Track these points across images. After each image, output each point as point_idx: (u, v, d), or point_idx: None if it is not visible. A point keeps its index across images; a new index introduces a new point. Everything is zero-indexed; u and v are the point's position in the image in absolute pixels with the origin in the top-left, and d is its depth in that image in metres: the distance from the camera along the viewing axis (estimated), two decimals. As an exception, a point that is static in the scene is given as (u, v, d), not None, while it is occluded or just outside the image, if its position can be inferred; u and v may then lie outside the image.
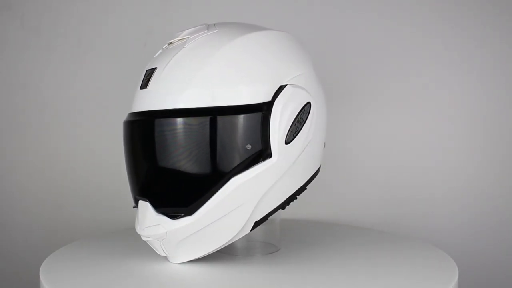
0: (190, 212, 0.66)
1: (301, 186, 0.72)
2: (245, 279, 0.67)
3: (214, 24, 0.72)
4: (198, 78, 0.65)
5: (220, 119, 0.64)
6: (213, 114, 0.64)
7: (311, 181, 0.73)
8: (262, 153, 0.65)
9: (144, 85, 0.69)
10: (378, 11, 1.02)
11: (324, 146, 0.76)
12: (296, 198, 0.72)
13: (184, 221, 0.66)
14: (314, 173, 0.74)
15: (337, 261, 0.74)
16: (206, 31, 0.69)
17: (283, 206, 0.71)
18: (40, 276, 0.68)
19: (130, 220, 1.01)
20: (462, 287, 0.70)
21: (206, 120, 0.64)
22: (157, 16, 1.04)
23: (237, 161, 0.65)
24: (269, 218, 0.77)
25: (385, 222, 1.02)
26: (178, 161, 0.65)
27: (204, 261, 0.73)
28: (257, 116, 0.65)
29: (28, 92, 1.04)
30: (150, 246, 0.72)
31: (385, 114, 1.03)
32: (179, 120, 0.65)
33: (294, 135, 0.67)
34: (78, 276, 0.68)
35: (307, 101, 0.69)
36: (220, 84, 0.65)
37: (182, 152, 0.65)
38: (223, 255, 0.76)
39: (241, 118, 0.65)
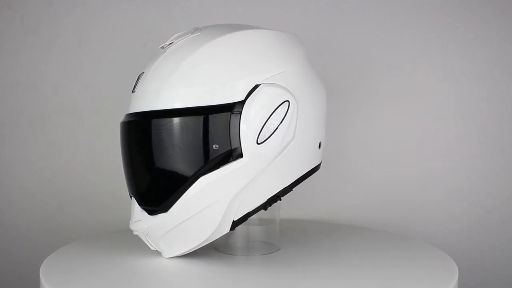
0: (165, 209, 0.68)
1: (285, 188, 0.70)
2: (245, 279, 0.67)
3: (200, 28, 0.73)
4: (172, 80, 0.67)
5: (187, 120, 0.66)
6: (182, 115, 0.66)
7: (299, 182, 0.71)
8: (232, 153, 0.66)
9: (133, 88, 0.73)
10: (378, 11, 1.02)
11: (320, 146, 0.73)
12: (280, 199, 0.71)
13: (160, 218, 0.69)
14: (305, 174, 0.71)
15: (337, 261, 0.74)
16: (189, 34, 0.71)
17: (264, 206, 0.70)
18: (40, 276, 0.68)
19: (129, 220, 1.01)
20: None
21: (175, 121, 0.66)
22: (157, 16, 1.04)
23: (204, 161, 0.66)
24: (269, 218, 0.77)
25: (385, 222, 1.02)
26: (150, 161, 0.68)
27: (204, 261, 0.73)
28: (225, 116, 0.65)
29: (28, 91, 1.04)
30: (146, 248, 0.75)
31: (384, 114, 1.03)
32: (152, 122, 0.67)
33: (268, 134, 0.66)
34: (78, 276, 0.68)
35: (284, 100, 0.67)
36: (193, 85, 0.66)
37: (153, 153, 0.68)
38: (223, 255, 0.76)
39: (207, 118, 0.65)
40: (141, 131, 0.69)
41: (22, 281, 1.02)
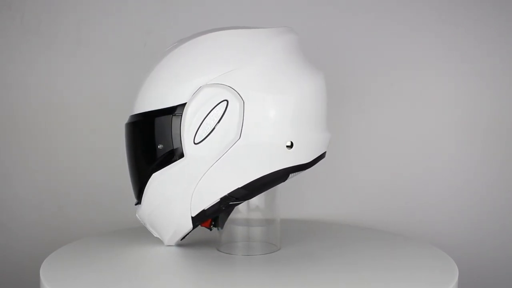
0: (140, 202, 0.75)
1: (238, 189, 0.69)
2: (245, 278, 0.67)
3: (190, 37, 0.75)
4: (142, 88, 0.74)
5: (140, 123, 0.73)
6: (138, 118, 0.73)
7: (271, 183, 0.70)
8: (175, 152, 0.70)
9: None
10: (378, 11, 1.02)
11: (290, 146, 0.68)
12: (238, 201, 0.70)
13: (139, 208, 0.76)
14: (270, 175, 0.69)
15: (337, 261, 0.74)
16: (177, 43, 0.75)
17: (223, 207, 0.70)
18: (41, 276, 0.68)
19: (130, 220, 1.01)
20: None
21: (135, 125, 0.74)
22: (157, 17, 1.04)
23: (153, 159, 0.71)
24: (269, 218, 0.78)
25: (385, 222, 1.02)
26: (128, 159, 0.77)
27: (204, 260, 0.73)
28: (168, 118, 0.69)
29: (28, 91, 1.04)
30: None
31: (385, 114, 1.03)
32: (126, 125, 0.76)
33: (205, 135, 0.68)
34: (79, 276, 0.68)
35: (222, 99, 0.67)
36: (150, 91, 0.72)
37: (128, 152, 0.76)
38: (223, 254, 0.77)
39: (153, 121, 0.71)
40: (125, 133, 0.77)
41: (22, 280, 1.02)
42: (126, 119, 0.76)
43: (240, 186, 0.69)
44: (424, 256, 0.77)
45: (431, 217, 1.03)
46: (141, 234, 0.88)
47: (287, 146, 0.68)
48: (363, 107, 1.03)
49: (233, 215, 0.76)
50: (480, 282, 1.01)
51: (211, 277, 0.68)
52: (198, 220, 0.71)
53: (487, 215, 1.02)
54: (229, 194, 0.69)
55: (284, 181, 0.71)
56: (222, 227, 0.77)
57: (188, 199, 0.70)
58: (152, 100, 0.72)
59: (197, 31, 0.75)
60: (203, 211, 0.70)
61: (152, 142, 0.71)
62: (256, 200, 0.77)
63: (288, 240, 0.83)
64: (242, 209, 0.77)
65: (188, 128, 0.68)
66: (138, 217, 0.77)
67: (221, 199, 0.69)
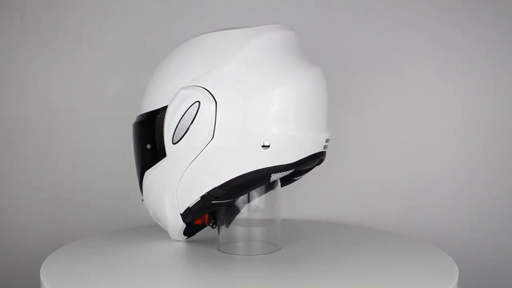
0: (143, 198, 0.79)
1: (215, 188, 0.69)
2: (246, 278, 0.68)
3: None
4: (146, 90, 0.77)
5: (134, 125, 0.77)
6: (136, 119, 0.77)
7: (248, 186, 0.70)
8: (160, 152, 0.73)
9: None
10: (378, 11, 1.02)
11: (267, 146, 0.67)
12: (219, 200, 0.70)
13: (145, 204, 0.79)
14: (248, 175, 0.68)
15: (338, 261, 0.74)
16: None
17: (207, 206, 0.71)
18: (41, 276, 0.68)
19: (130, 220, 1.01)
20: None
21: (133, 125, 0.77)
22: (157, 17, 1.04)
23: (144, 158, 0.75)
24: (269, 218, 0.78)
25: (385, 222, 1.02)
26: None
27: (205, 260, 0.73)
28: (153, 119, 0.73)
29: (28, 91, 1.04)
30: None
31: (385, 114, 1.03)
32: (132, 125, 0.79)
33: (181, 135, 0.69)
34: (79, 276, 0.68)
35: (194, 101, 0.68)
36: (146, 93, 0.76)
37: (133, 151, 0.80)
38: (224, 254, 0.77)
39: (142, 122, 0.75)
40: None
41: (23, 281, 1.02)
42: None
43: (216, 185, 0.69)
44: (424, 256, 0.77)
45: (431, 217, 1.03)
46: (141, 234, 0.88)
47: (262, 146, 0.67)
48: (363, 107, 1.03)
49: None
50: (480, 282, 1.01)
51: (211, 277, 0.68)
52: (186, 217, 0.73)
53: (487, 215, 1.02)
54: (207, 193, 0.70)
55: (267, 182, 0.70)
56: (227, 226, 0.77)
57: (174, 197, 0.73)
58: (146, 102, 0.76)
59: (197, 31, 0.76)
60: (188, 208, 0.72)
61: (143, 141, 0.75)
62: (256, 201, 0.77)
63: (288, 240, 0.83)
64: (242, 209, 0.77)
65: (167, 128, 0.70)
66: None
67: (201, 197, 0.70)
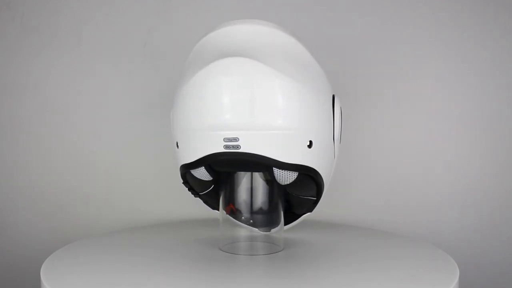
0: None
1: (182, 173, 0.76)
2: (248, 278, 0.67)
3: None
4: None
5: None
6: None
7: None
8: None
9: None
10: (378, 12, 1.02)
11: (177, 145, 0.74)
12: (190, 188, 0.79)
13: None
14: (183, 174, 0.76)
15: (339, 261, 0.74)
16: None
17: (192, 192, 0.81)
18: (41, 276, 0.68)
19: (130, 220, 1.02)
20: None
21: None
22: (157, 16, 1.04)
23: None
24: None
25: (386, 222, 1.02)
26: None
27: (206, 260, 0.73)
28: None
29: (28, 91, 1.04)
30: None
31: (385, 114, 1.03)
32: None
33: None
34: (79, 276, 0.68)
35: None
36: None
37: None
38: (226, 254, 0.77)
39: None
40: None
41: (23, 281, 1.02)
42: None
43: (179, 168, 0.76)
44: (424, 256, 0.77)
45: (431, 217, 1.03)
46: (141, 233, 0.88)
47: (176, 145, 0.74)
48: (363, 107, 1.03)
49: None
50: (480, 282, 1.01)
51: (213, 277, 0.68)
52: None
53: (487, 215, 1.02)
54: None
55: (184, 181, 0.77)
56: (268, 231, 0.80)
57: None
58: None
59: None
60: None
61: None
62: (259, 201, 0.77)
63: (291, 240, 0.83)
64: (244, 210, 0.77)
65: None
66: None
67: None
